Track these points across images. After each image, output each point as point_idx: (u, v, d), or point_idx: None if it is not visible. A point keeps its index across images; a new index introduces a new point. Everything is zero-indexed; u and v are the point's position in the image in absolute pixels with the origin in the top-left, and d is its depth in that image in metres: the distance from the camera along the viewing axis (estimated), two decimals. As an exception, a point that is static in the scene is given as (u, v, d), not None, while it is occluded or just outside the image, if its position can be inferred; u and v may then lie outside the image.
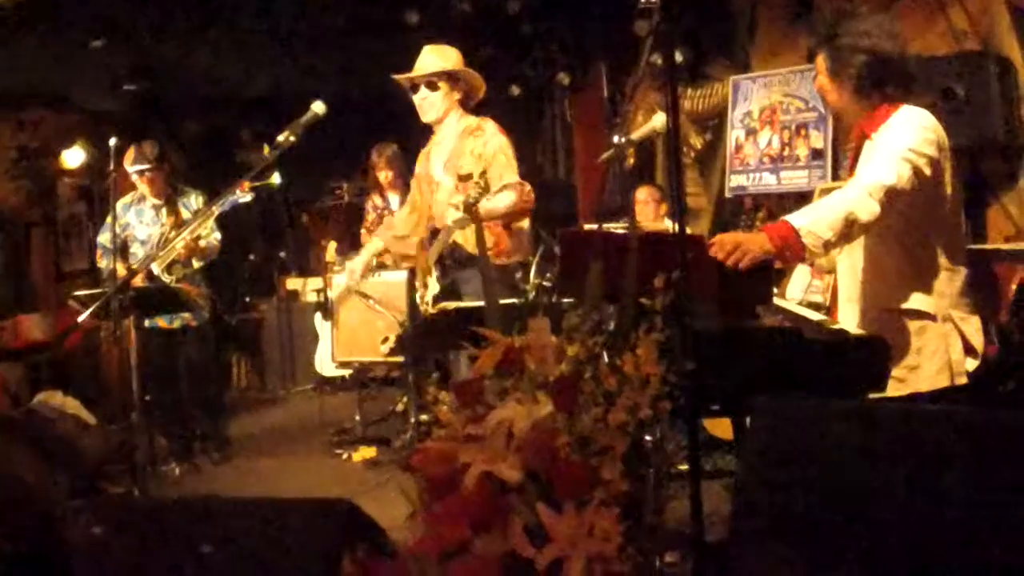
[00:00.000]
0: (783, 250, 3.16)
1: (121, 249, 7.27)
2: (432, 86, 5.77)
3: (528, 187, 5.61)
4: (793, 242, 3.16)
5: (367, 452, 7.41)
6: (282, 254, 12.66)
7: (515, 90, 10.41)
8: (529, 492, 1.76)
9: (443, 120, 5.86)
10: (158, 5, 7.71)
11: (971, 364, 3.49)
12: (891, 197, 3.24)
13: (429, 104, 5.80)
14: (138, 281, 6.70)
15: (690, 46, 8.38)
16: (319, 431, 8.52)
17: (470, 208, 5.10)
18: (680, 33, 7.74)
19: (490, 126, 5.83)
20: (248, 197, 6.62)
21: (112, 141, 6.21)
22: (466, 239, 5.56)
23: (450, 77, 5.80)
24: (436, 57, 5.83)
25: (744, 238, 3.16)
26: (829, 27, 3.58)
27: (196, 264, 7.34)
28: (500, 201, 5.46)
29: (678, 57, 7.78)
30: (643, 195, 7.47)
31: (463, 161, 5.72)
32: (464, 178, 5.60)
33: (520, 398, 1.88)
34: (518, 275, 5.74)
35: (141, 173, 7.35)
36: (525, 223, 5.95)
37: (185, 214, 7.34)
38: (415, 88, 5.80)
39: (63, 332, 9.22)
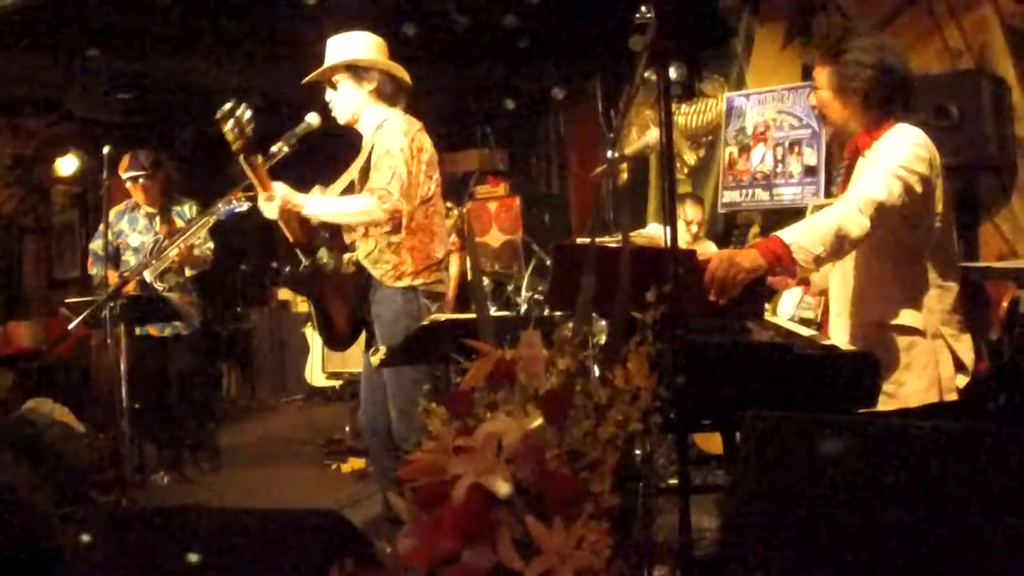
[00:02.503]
0: (774, 265, 3.16)
1: (114, 257, 7.28)
2: (332, 84, 4.93)
3: (395, 198, 4.74)
4: (784, 257, 3.15)
5: (356, 463, 7.41)
6: (274, 264, 12.67)
7: (510, 104, 10.43)
8: (518, 505, 1.75)
9: (359, 120, 5.01)
10: (153, 14, 7.72)
11: (962, 381, 3.49)
12: (882, 213, 3.24)
13: (336, 106, 4.97)
14: (130, 289, 6.69)
15: (685, 62, 8.41)
16: (309, 441, 8.54)
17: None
18: (675, 49, 7.76)
19: (393, 124, 4.90)
20: (245, 206, 6.62)
21: (106, 149, 6.21)
22: (380, 270, 4.90)
23: (350, 70, 4.92)
24: (333, 50, 4.98)
25: (735, 255, 3.16)
26: (835, 42, 3.60)
27: (188, 273, 7.35)
28: (341, 204, 4.89)
29: (673, 73, 7.81)
30: (692, 214, 7.34)
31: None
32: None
33: (510, 411, 1.88)
34: (423, 301, 4.92)
35: (135, 180, 7.36)
36: (431, 241, 5.00)
37: (179, 223, 7.35)
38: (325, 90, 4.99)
39: (54, 339, 9.22)
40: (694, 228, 7.33)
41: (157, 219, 7.43)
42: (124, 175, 7.35)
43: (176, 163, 11.16)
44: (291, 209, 4.77)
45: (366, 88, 4.95)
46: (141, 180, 7.36)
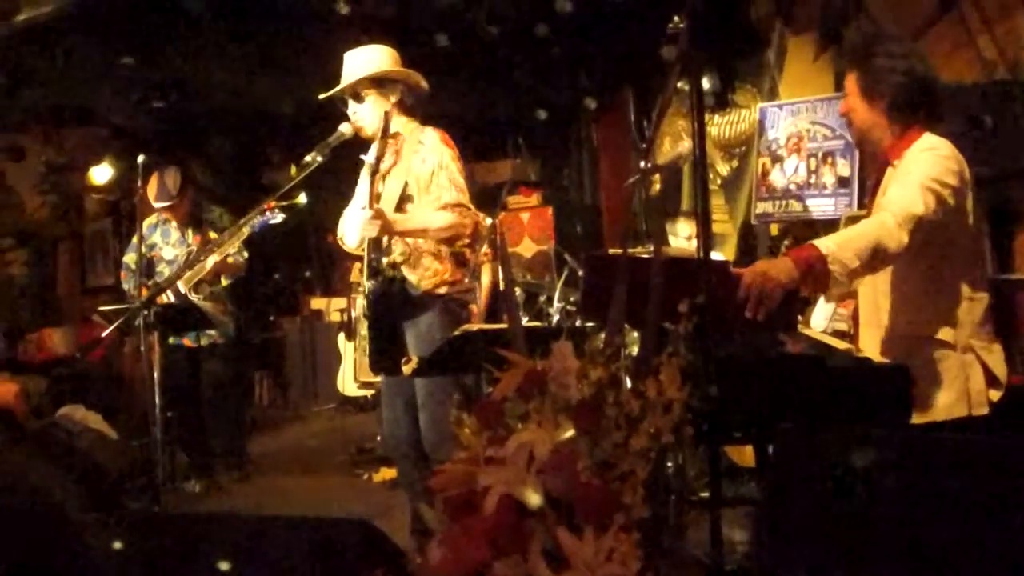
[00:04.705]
0: (808, 275, 3.12)
1: (147, 270, 7.31)
2: (358, 97, 4.98)
3: (471, 211, 4.96)
4: (820, 267, 3.12)
5: (388, 472, 7.41)
6: (307, 273, 12.71)
7: (542, 114, 10.42)
8: (549, 516, 1.75)
9: (387, 133, 4.98)
10: (186, 22, 7.75)
11: (995, 395, 3.45)
12: (920, 227, 3.22)
13: (359, 118, 4.99)
14: (164, 299, 6.73)
15: (717, 72, 8.38)
16: (340, 450, 8.54)
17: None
18: (708, 59, 7.74)
19: (430, 138, 5.01)
20: (279, 218, 6.63)
21: (140, 158, 6.25)
22: (418, 275, 4.93)
23: (376, 83, 4.98)
24: (355, 63, 5.01)
25: (770, 269, 3.12)
26: (865, 47, 3.59)
27: (224, 282, 7.37)
28: (432, 220, 4.87)
29: (705, 83, 7.79)
30: (690, 229, 7.45)
31: (409, 179, 4.97)
32: (406, 200, 4.96)
33: (541, 421, 1.87)
34: (457, 308, 5.00)
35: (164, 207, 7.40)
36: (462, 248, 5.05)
37: (212, 233, 7.37)
38: (346, 103, 5.04)
39: (86, 346, 9.27)
40: (694, 242, 7.34)
41: (190, 231, 7.47)
42: (154, 204, 7.38)
43: (208, 172, 11.21)
44: (388, 227, 4.82)
45: (391, 100, 4.99)
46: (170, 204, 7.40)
